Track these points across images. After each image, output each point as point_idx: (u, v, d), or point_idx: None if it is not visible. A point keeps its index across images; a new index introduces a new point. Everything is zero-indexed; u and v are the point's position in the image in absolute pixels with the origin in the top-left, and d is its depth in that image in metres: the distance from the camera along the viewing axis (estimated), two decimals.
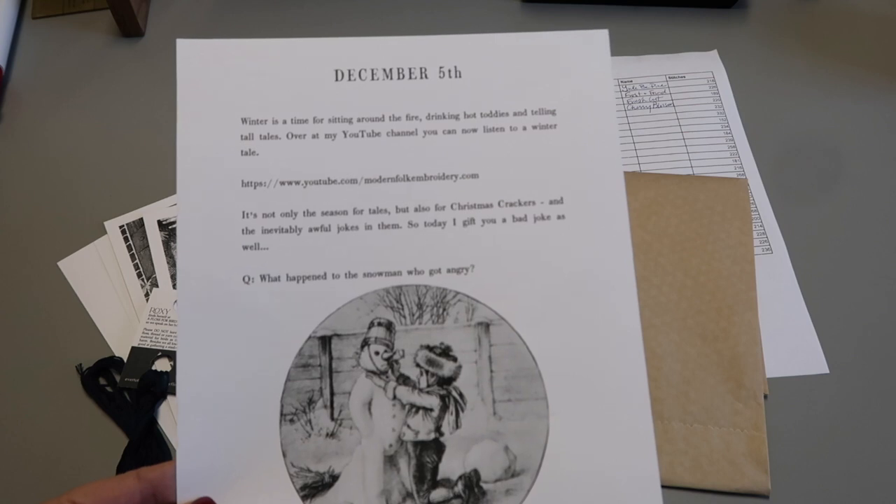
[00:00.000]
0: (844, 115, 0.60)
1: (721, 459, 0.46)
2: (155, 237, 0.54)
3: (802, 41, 0.64)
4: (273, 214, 0.36)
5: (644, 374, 0.35)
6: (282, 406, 0.35)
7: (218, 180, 0.36)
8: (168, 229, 0.55)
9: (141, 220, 0.55)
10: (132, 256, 0.54)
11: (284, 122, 0.37)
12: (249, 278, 0.35)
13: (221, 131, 0.36)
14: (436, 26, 0.66)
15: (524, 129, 0.37)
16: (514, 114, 0.38)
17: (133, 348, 0.50)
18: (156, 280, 0.53)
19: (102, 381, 0.49)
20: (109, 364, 0.49)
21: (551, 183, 0.37)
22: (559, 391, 0.35)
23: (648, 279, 0.51)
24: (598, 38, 0.38)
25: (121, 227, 0.55)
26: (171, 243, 0.54)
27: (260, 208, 0.36)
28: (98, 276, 0.53)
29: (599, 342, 0.36)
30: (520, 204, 0.37)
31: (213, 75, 0.37)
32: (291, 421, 0.35)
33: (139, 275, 0.53)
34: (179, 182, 0.35)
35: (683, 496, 0.45)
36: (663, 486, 0.45)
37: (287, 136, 0.36)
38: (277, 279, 0.35)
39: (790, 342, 0.50)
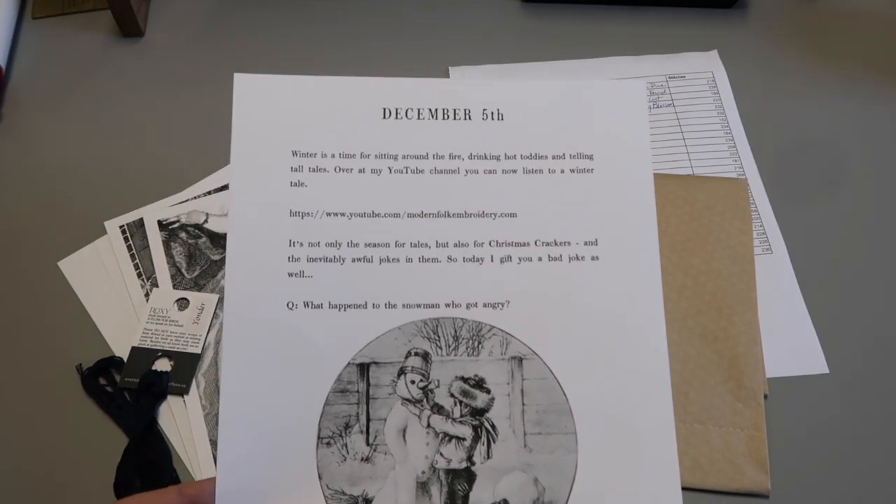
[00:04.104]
0: (844, 115, 0.60)
1: (721, 459, 0.46)
2: (155, 237, 0.54)
3: (802, 41, 0.64)
4: (318, 244, 0.37)
5: (671, 413, 0.36)
6: (319, 429, 0.36)
7: (268, 209, 0.37)
8: (168, 229, 0.55)
9: (141, 220, 0.55)
10: (132, 256, 0.54)
11: (333, 156, 0.38)
12: (293, 304, 0.36)
13: (273, 163, 0.38)
14: (435, 25, 0.66)
15: (562, 171, 0.39)
16: (553, 157, 0.39)
17: (133, 348, 0.50)
18: (156, 280, 0.53)
19: (102, 381, 0.49)
20: (109, 364, 0.49)
21: (586, 225, 0.38)
22: (588, 427, 0.36)
23: None
24: (635, 88, 0.40)
25: (121, 227, 0.55)
26: (171, 243, 0.54)
27: (306, 237, 0.37)
28: (98, 276, 0.53)
29: (628, 381, 0.37)
30: (555, 244, 0.38)
31: (267, 109, 0.38)
32: (328, 444, 0.35)
33: (139, 275, 0.53)
34: (231, 208, 0.37)
35: (683, 496, 0.45)
36: None
37: (335, 169, 0.38)
38: (320, 306, 0.36)
39: (790, 342, 0.50)
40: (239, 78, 0.38)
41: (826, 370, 0.49)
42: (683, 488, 0.45)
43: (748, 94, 0.61)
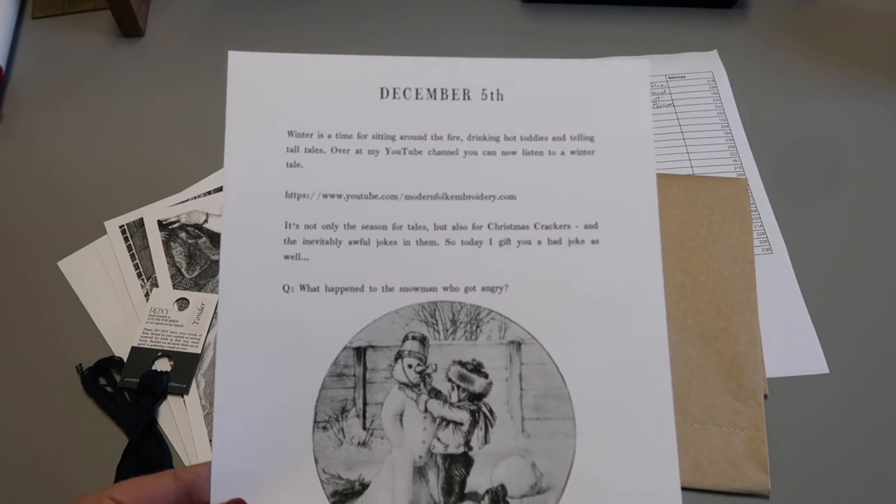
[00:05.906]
0: (844, 115, 0.60)
1: (721, 459, 0.46)
2: (155, 237, 0.54)
3: (802, 41, 0.64)
4: (315, 226, 0.36)
5: (670, 398, 0.36)
6: (315, 413, 0.35)
7: (263, 190, 0.37)
8: (168, 229, 0.55)
9: (141, 220, 0.55)
10: (132, 256, 0.54)
11: (329, 136, 0.37)
12: (289, 287, 0.36)
13: (268, 143, 0.37)
14: (435, 26, 0.66)
15: (562, 153, 0.38)
16: (554, 138, 0.38)
17: (133, 348, 0.50)
18: (156, 280, 0.53)
19: (102, 381, 0.49)
20: (109, 364, 0.49)
21: (587, 208, 0.38)
22: (587, 412, 0.36)
23: None
24: (638, 68, 0.39)
25: (121, 227, 0.55)
26: (171, 243, 0.54)
27: (302, 219, 0.36)
28: (98, 276, 0.53)
29: (628, 366, 0.36)
30: (555, 227, 0.37)
31: (262, 88, 0.37)
32: (324, 428, 0.35)
33: (139, 275, 0.53)
34: (226, 190, 0.36)
35: (683, 496, 0.45)
36: None
37: (331, 150, 0.37)
38: (316, 290, 0.36)
39: (790, 342, 0.50)
40: (233, 56, 0.37)
41: (826, 370, 0.49)
42: (683, 488, 0.46)
43: (748, 94, 0.61)
